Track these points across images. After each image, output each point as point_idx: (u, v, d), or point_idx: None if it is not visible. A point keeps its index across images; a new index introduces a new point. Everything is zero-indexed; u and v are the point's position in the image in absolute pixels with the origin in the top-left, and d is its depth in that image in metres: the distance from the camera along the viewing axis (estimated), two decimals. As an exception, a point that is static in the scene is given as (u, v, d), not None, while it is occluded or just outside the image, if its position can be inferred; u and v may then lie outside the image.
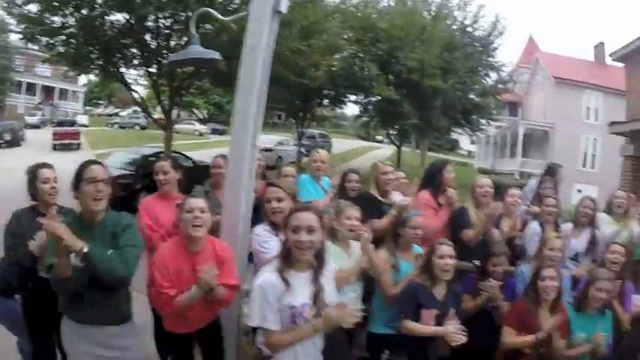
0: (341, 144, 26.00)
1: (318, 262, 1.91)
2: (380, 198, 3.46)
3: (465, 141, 42.31)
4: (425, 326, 2.46)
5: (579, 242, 3.45)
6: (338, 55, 13.00)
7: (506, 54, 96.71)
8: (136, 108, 39.07)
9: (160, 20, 8.81)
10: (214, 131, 33.10)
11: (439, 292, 2.58)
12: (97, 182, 1.96)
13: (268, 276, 1.84)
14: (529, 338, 2.56)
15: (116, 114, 39.41)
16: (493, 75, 17.55)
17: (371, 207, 3.22)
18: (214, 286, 2.12)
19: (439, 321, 2.47)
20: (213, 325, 2.44)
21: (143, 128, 30.25)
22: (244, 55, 2.77)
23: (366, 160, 19.28)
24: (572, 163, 19.52)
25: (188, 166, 9.08)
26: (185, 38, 8.37)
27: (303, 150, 17.79)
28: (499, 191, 3.60)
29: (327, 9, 11.50)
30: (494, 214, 3.13)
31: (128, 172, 8.65)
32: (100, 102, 50.12)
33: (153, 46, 9.27)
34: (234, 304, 2.50)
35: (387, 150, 17.89)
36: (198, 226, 2.20)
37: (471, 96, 15.26)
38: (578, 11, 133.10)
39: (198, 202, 2.26)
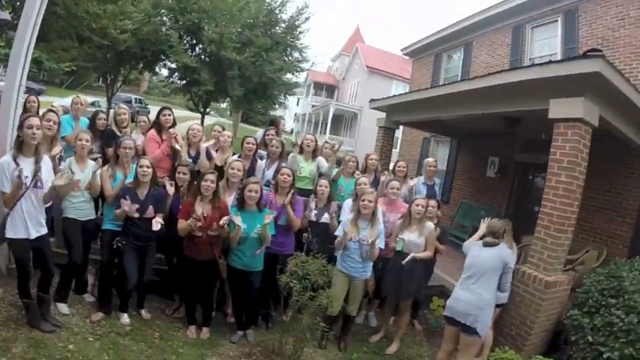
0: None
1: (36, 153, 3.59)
2: (117, 133, 5.32)
3: (289, 119, 47.99)
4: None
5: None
6: (139, 18, 15.15)
7: (334, 44, 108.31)
8: None
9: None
10: (29, 91, 31.28)
11: (141, 192, 4.38)
12: None
13: (6, 158, 3.50)
14: (186, 222, 4.23)
15: None
16: (296, 55, 21.94)
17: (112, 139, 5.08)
18: None
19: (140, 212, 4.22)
20: None
21: None
22: (21, 20, 4.37)
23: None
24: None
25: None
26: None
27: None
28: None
29: None
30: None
31: None
32: None
33: None
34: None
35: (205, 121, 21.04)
36: None
37: (268, 70, 18.73)
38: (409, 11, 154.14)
39: None
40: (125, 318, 4.46)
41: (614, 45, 7.48)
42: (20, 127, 3.60)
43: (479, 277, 3.98)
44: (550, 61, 5.26)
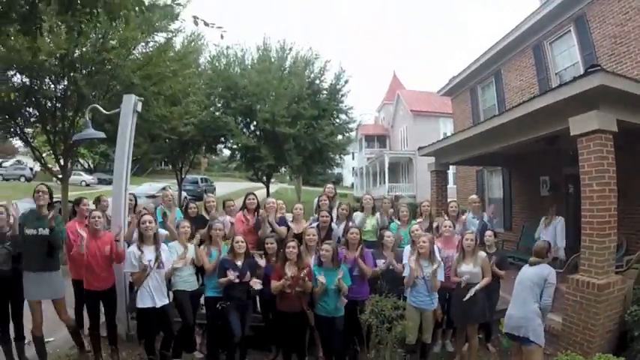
0: (225, 187, 30.55)
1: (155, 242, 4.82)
2: (207, 217, 6.37)
3: (347, 174, 49.29)
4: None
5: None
6: (200, 112, 16.96)
7: (374, 91, 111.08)
8: (19, 159, 38.80)
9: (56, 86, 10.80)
10: (101, 181, 34.62)
11: (239, 262, 5.13)
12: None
13: (132, 248, 4.81)
14: (279, 282, 4.91)
15: None
16: (343, 117, 23.25)
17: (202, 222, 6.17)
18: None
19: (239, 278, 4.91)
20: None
21: (28, 180, 30.74)
22: (119, 136, 5.69)
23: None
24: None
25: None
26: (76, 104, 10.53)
27: (186, 194, 21.94)
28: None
29: (192, 78, 14.91)
30: None
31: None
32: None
33: (48, 107, 10.98)
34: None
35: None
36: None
37: (320, 137, 20.32)
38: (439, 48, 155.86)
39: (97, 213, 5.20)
40: None
41: (627, 40, 7.73)
42: (137, 224, 4.87)
43: (522, 292, 4.44)
44: (560, 85, 5.77)
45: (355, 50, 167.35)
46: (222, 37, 4.72)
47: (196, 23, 4.46)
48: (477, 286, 5.17)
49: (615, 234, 5.19)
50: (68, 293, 5.24)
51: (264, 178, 22.78)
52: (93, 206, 5.80)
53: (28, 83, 10.35)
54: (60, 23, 5.85)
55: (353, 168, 46.59)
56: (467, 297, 5.10)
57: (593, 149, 5.15)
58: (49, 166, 12.54)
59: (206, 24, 4.50)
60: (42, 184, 4.93)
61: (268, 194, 21.58)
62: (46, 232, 4.64)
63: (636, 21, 7.57)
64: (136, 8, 4.09)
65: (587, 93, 5.06)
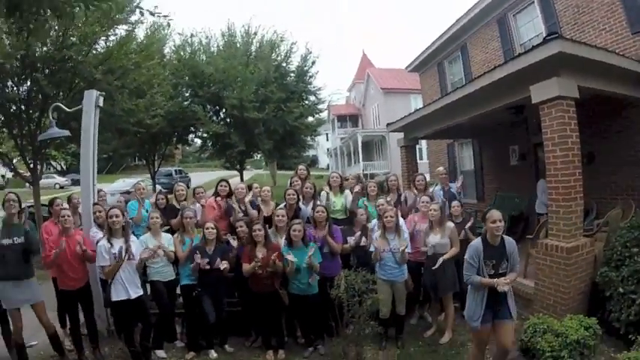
0: (200, 177, 30.16)
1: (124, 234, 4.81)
2: (177, 206, 6.27)
3: (322, 155, 49.29)
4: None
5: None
6: (166, 103, 16.55)
7: (345, 71, 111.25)
8: None
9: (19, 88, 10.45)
10: (75, 182, 32.64)
11: (209, 248, 5.25)
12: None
13: (102, 241, 4.74)
14: (250, 265, 5.12)
15: (-34, 175, 37.80)
16: (312, 98, 23.11)
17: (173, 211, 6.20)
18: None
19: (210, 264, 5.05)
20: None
21: (1, 188, 29.16)
22: (82, 132, 5.75)
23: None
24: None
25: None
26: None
27: (160, 187, 21.57)
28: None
29: (156, 69, 14.40)
30: None
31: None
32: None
33: (12, 110, 10.66)
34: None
35: (244, 176, 22.58)
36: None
37: (290, 119, 20.18)
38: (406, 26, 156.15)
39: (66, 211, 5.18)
40: (212, 353, 5.32)
41: (589, 8, 7.77)
42: (105, 217, 4.92)
43: None
44: (519, 54, 5.82)
45: (324, 31, 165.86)
46: (169, 25, 4.62)
47: (142, 14, 4.37)
48: (446, 256, 5.26)
49: (581, 198, 5.30)
50: (50, 295, 5.30)
51: (238, 165, 22.57)
52: (66, 206, 5.77)
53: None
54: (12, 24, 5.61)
55: (327, 149, 46.59)
56: (435, 267, 5.19)
57: (555, 115, 5.22)
58: (20, 171, 12.17)
59: (151, 14, 4.40)
60: (10, 192, 4.86)
61: (242, 181, 21.35)
62: (22, 239, 4.59)
63: (597, -12, 7.64)
64: (81, 4, 3.94)
65: (547, 60, 5.10)
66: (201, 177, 30.39)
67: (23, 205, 4.90)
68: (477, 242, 4.04)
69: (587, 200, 5.64)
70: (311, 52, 22.28)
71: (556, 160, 5.24)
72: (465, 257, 4.04)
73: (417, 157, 11.56)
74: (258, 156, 26.93)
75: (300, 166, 7.21)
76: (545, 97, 5.28)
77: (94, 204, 5.91)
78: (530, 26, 9.72)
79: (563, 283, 5.08)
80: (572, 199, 5.17)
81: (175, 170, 30.95)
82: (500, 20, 10.54)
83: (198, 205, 6.35)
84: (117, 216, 4.82)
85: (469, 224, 5.82)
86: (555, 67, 5.21)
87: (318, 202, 6.10)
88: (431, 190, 6.92)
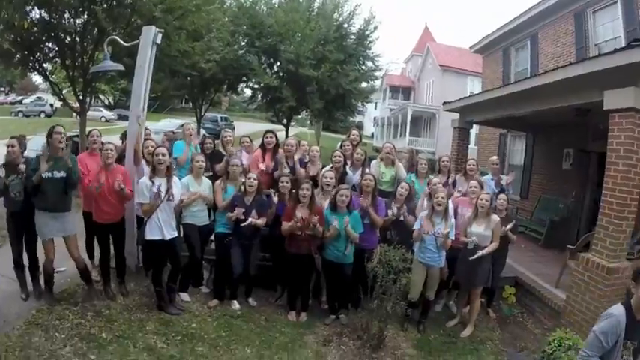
0: (244, 127, 30.44)
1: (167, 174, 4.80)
2: (224, 153, 6.26)
3: (369, 123, 48.57)
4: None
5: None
6: (222, 50, 16.67)
7: (404, 42, 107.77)
8: (40, 95, 39.48)
9: (75, 20, 10.66)
10: (121, 117, 33.88)
11: (247, 200, 5.22)
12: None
13: (144, 179, 4.80)
14: (288, 224, 5.04)
15: (20, 101, 39.32)
16: (369, 64, 22.65)
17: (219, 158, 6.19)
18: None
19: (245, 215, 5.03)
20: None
21: (49, 116, 31.26)
22: (136, 68, 5.62)
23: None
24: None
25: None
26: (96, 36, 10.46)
27: (205, 132, 21.95)
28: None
29: (216, 13, 14.51)
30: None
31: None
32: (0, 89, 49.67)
33: (67, 42, 10.81)
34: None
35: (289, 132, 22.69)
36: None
37: (344, 82, 19.79)
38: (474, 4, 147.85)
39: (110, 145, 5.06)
40: (235, 304, 5.44)
41: None
42: (151, 154, 4.97)
43: None
44: (598, 55, 5.45)
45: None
46: None
47: None
48: (485, 250, 5.13)
49: (633, 219, 5.03)
50: (79, 226, 5.33)
51: (285, 120, 22.62)
52: (102, 139, 5.76)
53: (47, 17, 10.16)
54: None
55: (375, 117, 45.72)
56: (473, 257, 5.07)
57: (625, 127, 4.89)
58: (69, 102, 12.53)
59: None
60: (58, 125, 4.87)
61: (287, 137, 21.47)
62: (62, 174, 4.66)
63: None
64: None
65: (627, 67, 4.74)
66: (246, 127, 30.65)
67: (69, 134, 4.98)
68: (618, 313, 2.74)
69: (635, 222, 5.36)
70: (375, 17, 21.68)
71: (617, 174, 4.96)
72: (595, 329, 2.77)
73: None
74: (305, 113, 26.82)
75: (354, 131, 7.06)
76: (618, 105, 4.94)
77: (146, 139, 5.97)
78: (608, 27, 9.05)
79: (595, 303, 4.89)
80: (624, 217, 4.91)
81: (221, 117, 31.34)
82: (577, 14, 9.83)
83: (244, 153, 6.29)
84: (163, 155, 4.84)
85: (511, 225, 5.57)
86: (634, 76, 4.85)
87: (367, 171, 6.00)
88: (483, 178, 6.60)
